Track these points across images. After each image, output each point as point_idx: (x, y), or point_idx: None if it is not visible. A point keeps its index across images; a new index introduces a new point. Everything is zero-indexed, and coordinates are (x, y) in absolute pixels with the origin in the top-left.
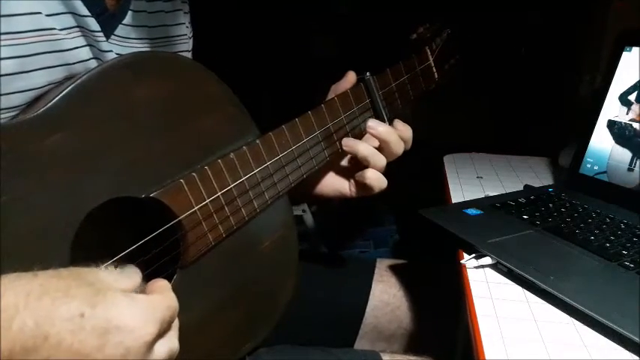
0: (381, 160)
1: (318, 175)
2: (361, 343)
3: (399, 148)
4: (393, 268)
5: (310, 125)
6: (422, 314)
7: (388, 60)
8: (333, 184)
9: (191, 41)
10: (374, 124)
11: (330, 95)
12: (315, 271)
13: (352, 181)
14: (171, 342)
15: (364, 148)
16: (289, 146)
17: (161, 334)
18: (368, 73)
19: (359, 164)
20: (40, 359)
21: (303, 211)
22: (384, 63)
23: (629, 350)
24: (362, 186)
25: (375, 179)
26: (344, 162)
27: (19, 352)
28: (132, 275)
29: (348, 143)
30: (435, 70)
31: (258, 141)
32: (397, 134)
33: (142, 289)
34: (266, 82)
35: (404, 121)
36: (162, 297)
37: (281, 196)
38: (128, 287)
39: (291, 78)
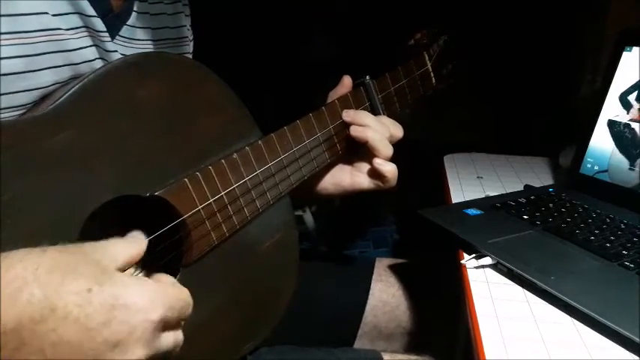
0: (389, 148)
1: (319, 173)
2: (361, 342)
3: (381, 129)
4: (393, 268)
5: (311, 127)
6: (421, 313)
7: (387, 63)
8: (334, 177)
9: (192, 44)
10: (348, 112)
11: (329, 100)
12: (314, 270)
13: (355, 172)
14: (177, 336)
15: (372, 134)
16: (291, 147)
17: (170, 322)
18: (368, 77)
19: (360, 158)
20: (47, 331)
21: (303, 211)
22: (383, 66)
23: (629, 350)
24: (377, 176)
25: (390, 170)
26: (344, 158)
27: (27, 322)
28: (134, 242)
29: (357, 129)
30: (432, 75)
31: (260, 142)
32: (375, 119)
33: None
34: (267, 84)
35: (403, 122)
36: (175, 288)
37: (283, 197)
38: (133, 256)
39: (292, 80)
